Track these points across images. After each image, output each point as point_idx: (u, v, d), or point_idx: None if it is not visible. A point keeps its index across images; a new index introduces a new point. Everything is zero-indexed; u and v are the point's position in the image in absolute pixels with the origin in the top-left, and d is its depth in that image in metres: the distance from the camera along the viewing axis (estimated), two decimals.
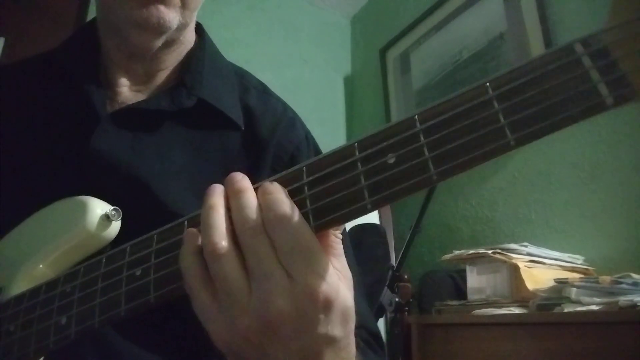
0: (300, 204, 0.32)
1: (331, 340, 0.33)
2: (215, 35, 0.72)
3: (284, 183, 0.34)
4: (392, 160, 0.31)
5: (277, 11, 2.37)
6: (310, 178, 0.33)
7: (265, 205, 0.32)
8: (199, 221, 0.36)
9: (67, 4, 1.78)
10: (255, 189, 0.34)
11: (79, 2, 1.79)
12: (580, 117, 0.27)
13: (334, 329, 0.33)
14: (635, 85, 0.25)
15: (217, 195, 0.34)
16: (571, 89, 0.26)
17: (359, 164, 0.32)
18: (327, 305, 0.32)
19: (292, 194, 0.33)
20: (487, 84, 0.29)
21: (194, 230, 0.34)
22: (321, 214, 0.32)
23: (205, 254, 0.32)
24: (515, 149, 0.28)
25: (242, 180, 0.34)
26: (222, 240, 0.32)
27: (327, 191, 0.32)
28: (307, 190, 0.33)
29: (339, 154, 0.33)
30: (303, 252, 0.31)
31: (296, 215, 0.31)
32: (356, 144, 0.32)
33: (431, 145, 0.30)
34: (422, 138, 0.30)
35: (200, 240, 0.33)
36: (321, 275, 0.31)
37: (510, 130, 0.28)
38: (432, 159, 0.30)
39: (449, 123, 0.30)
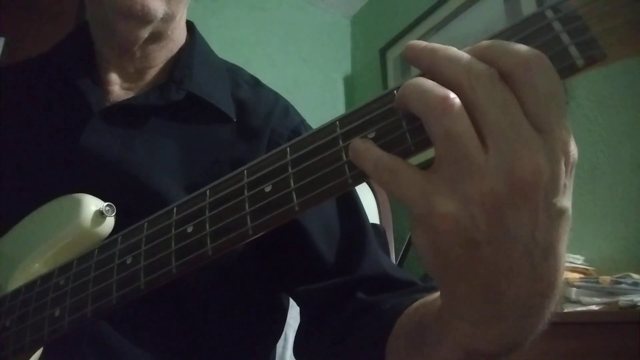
0: (552, 43, 0.27)
1: (567, 217, 0.27)
2: (216, 35, 0.72)
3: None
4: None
5: (277, 11, 2.37)
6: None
7: (498, 52, 0.27)
8: (188, 208, 0.36)
9: (67, 4, 1.78)
10: None
11: (79, 2, 1.79)
12: None
13: (569, 201, 0.27)
14: (604, 47, 0.26)
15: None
16: (544, 52, 0.27)
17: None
18: (572, 169, 0.27)
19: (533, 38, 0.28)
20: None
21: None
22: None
23: (429, 112, 0.26)
24: None
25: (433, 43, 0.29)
26: (448, 92, 0.26)
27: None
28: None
29: None
30: (559, 99, 0.26)
31: (545, 56, 0.26)
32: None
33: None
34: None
35: (367, 144, 0.29)
36: (570, 131, 0.26)
37: None
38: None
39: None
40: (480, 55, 0.27)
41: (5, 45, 1.65)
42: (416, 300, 0.44)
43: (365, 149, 0.29)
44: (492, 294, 0.28)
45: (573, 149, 0.26)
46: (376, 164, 0.28)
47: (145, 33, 0.58)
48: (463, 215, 0.25)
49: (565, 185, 0.26)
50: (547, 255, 0.27)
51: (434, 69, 0.28)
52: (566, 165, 0.26)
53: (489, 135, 0.25)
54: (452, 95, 0.26)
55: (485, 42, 0.28)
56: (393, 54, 2.25)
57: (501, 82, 0.26)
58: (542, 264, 0.27)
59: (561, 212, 0.26)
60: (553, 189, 0.25)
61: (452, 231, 0.26)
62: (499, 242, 0.26)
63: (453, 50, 0.28)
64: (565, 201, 0.26)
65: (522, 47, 0.26)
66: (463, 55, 0.27)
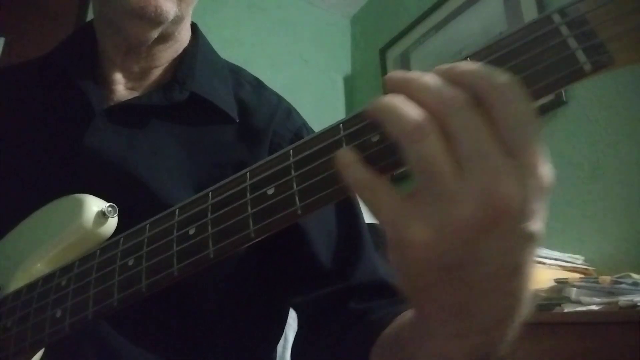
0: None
1: (535, 241, 0.27)
2: (215, 35, 0.72)
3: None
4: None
5: (277, 11, 2.37)
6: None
7: (472, 77, 0.27)
8: (190, 209, 0.36)
9: (67, 4, 1.78)
10: None
11: (79, 2, 1.79)
12: (560, 84, 0.27)
13: (539, 225, 0.27)
14: (612, 52, 0.26)
15: (386, 93, 0.29)
16: (550, 57, 0.27)
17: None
18: (545, 195, 0.26)
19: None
20: (468, 59, 0.30)
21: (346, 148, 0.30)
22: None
23: (403, 138, 0.27)
24: None
25: (409, 72, 0.29)
26: (424, 117, 0.26)
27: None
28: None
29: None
30: (529, 125, 0.26)
31: (517, 83, 0.27)
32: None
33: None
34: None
35: (352, 158, 0.29)
36: (542, 155, 0.26)
37: None
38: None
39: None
40: (455, 80, 0.27)
41: (5, 45, 1.65)
42: (404, 310, 0.44)
43: (347, 163, 0.29)
44: (461, 312, 0.29)
45: (545, 173, 0.26)
46: (356, 180, 0.29)
47: (155, 34, 0.58)
48: (436, 243, 0.26)
49: (538, 209, 0.26)
50: (514, 276, 0.28)
51: (410, 98, 0.28)
52: (540, 190, 0.26)
53: (462, 161, 0.26)
54: (426, 120, 0.26)
55: (461, 66, 0.28)
56: (393, 54, 2.25)
57: (474, 109, 0.26)
58: (508, 284, 0.28)
59: (530, 236, 0.27)
60: (523, 214, 0.26)
61: (422, 259, 0.26)
62: (470, 267, 0.27)
63: (426, 78, 0.28)
64: (535, 225, 0.27)
65: (495, 73, 0.27)
66: (436, 82, 0.28)
